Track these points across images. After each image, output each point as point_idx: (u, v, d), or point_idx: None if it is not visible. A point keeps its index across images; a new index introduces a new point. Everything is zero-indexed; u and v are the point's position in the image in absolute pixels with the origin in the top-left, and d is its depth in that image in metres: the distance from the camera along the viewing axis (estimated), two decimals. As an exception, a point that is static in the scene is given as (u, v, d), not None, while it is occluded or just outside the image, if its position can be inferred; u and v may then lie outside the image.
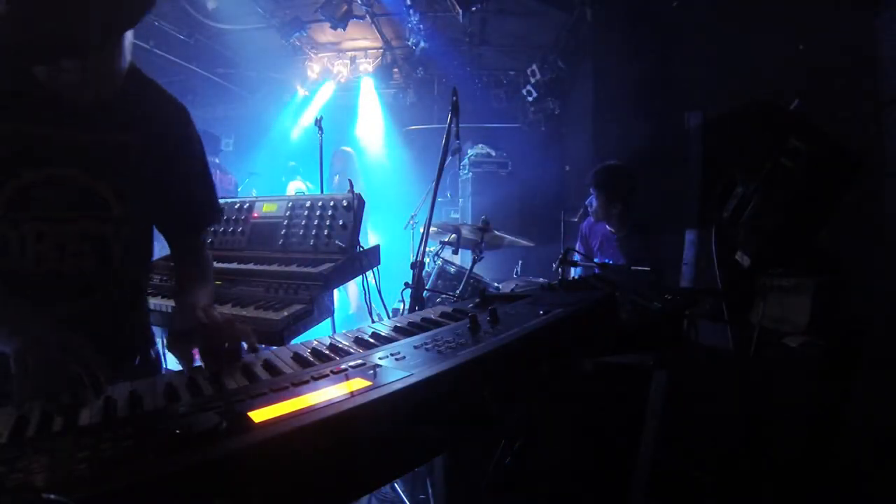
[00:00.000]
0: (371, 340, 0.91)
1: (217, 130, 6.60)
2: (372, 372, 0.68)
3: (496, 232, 3.28)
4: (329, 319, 1.89)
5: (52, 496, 0.39)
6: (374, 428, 0.59)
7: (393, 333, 0.95)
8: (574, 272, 2.88)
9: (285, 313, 1.61)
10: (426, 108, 6.87)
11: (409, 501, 2.26)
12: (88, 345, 0.81)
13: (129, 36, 1.02)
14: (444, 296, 2.94)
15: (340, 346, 0.89)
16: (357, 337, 0.93)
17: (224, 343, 0.90)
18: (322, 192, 3.21)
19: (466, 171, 5.65)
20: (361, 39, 6.23)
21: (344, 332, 1.00)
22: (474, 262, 3.10)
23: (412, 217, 4.06)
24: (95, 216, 1.07)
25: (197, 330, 0.94)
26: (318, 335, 1.01)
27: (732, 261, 2.07)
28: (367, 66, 6.64)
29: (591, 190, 3.20)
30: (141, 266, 1.24)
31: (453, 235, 3.22)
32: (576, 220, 3.58)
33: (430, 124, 6.43)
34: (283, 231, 2.02)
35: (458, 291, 2.94)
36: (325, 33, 5.87)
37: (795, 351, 1.79)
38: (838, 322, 1.82)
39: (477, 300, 1.18)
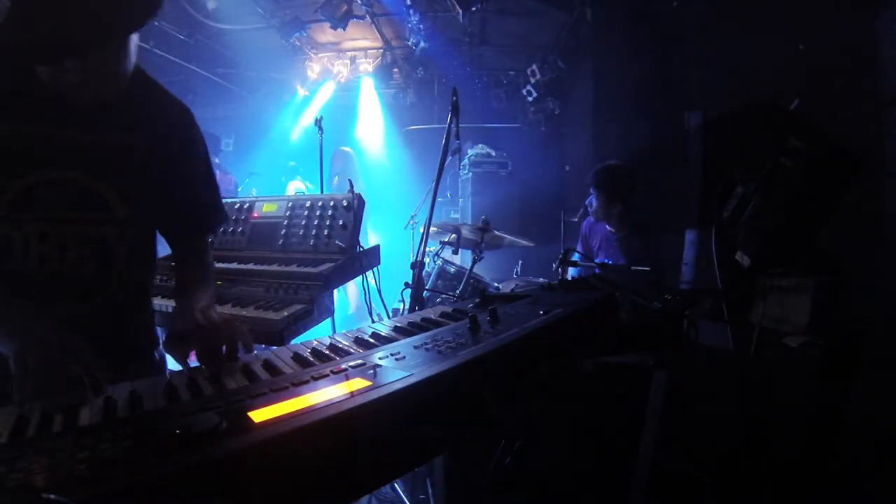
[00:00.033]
0: (371, 340, 0.91)
1: (217, 130, 6.60)
2: (372, 372, 0.68)
3: (496, 232, 3.28)
4: (329, 319, 1.89)
5: (52, 496, 0.39)
6: (374, 428, 0.59)
7: (393, 333, 0.94)
8: (571, 272, 2.88)
9: (285, 313, 1.61)
10: (426, 108, 6.87)
11: (409, 501, 2.26)
12: (88, 346, 0.81)
13: (134, 38, 1.02)
14: (444, 296, 2.94)
15: (340, 346, 0.89)
16: (357, 337, 0.93)
17: (221, 345, 0.89)
18: (322, 192, 3.21)
19: (466, 171, 5.65)
20: (361, 39, 6.23)
21: (344, 332, 1.00)
22: (474, 262, 3.10)
23: (412, 217, 4.06)
24: (99, 218, 1.07)
25: (195, 332, 0.94)
26: (318, 335, 1.01)
27: (732, 261, 2.07)
28: (367, 66, 6.64)
29: (591, 190, 3.20)
30: (145, 268, 1.23)
31: (453, 235, 3.22)
32: (576, 220, 3.57)
33: (430, 124, 6.43)
34: (283, 231, 2.02)
35: (458, 291, 2.94)
36: (325, 33, 5.87)
37: (795, 351, 1.79)
38: (838, 322, 1.82)
39: (477, 300, 1.18)
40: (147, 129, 1.11)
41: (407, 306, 2.38)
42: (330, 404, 0.57)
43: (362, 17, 5.34)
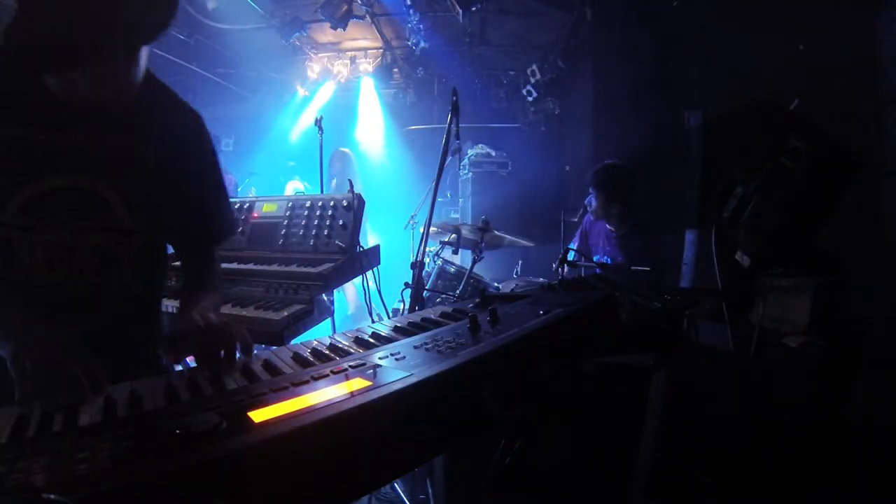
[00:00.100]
0: (371, 340, 0.91)
1: (217, 130, 6.57)
2: (372, 372, 0.68)
3: (496, 232, 3.28)
4: (329, 319, 1.90)
5: (52, 496, 0.39)
6: (373, 428, 0.59)
7: (393, 333, 0.94)
8: (570, 256, 2.85)
9: (285, 313, 1.62)
10: (426, 108, 6.87)
11: (409, 501, 2.26)
12: (88, 347, 0.81)
13: (145, 47, 1.01)
14: (444, 296, 2.94)
15: (340, 346, 0.89)
16: (357, 337, 0.93)
17: (219, 347, 0.89)
18: (322, 192, 3.21)
19: (466, 171, 5.65)
20: (361, 39, 6.23)
21: (344, 332, 1.00)
22: (474, 262, 3.10)
23: (412, 217, 4.06)
24: (107, 226, 1.05)
25: (193, 333, 0.93)
26: (317, 335, 1.01)
27: (732, 261, 2.06)
28: (367, 66, 6.63)
29: (591, 189, 3.20)
30: (153, 277, 1.20)
31: (453, 235, 3.22)
32: (575, 219, 3.58)
33: (430, 124, 6.43)
34: (283, 231, 2.02)
35: (458, 291, 2.94)
36: (325, 33, 5.87)
37: (795, 351, 1.79)
38: (838, 322, 1.82)
39: (477, 300, 1.18)
40: (156, 135, 1.10)
41: (407, 306, 2.38)
42: (330, 404, 0.57)
43: (362, 17, 5.34)
